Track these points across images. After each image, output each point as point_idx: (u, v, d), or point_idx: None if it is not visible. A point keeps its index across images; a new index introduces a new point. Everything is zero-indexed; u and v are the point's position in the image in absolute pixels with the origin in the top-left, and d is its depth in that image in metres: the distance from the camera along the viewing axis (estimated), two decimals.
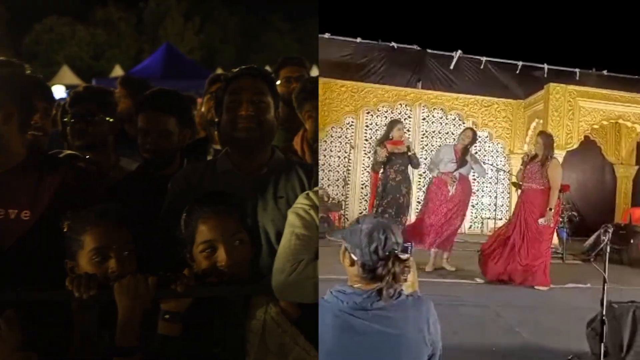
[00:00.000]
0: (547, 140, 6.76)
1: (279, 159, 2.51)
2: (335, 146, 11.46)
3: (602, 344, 3.31)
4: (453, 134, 11.36)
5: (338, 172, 11.40)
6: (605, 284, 3.47)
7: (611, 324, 3.87)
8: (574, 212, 9.21)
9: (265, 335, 2.10)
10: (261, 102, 2.42)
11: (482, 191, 11.30)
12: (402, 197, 6.89)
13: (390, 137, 7.00)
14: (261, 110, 2.42)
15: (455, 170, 7.08)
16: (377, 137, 7.27)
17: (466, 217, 11.31)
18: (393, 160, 6.91)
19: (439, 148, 7.71)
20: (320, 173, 11.32)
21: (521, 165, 6.91)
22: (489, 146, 11.53)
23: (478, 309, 5.47)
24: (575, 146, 10.11)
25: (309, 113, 3.13)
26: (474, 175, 7.79)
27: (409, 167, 7.08)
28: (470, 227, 11.42)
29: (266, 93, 2.45)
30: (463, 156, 7.20)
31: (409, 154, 6.97)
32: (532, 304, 5.64)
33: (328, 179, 11.44)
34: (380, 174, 7.04)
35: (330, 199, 10.20)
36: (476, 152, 11.45)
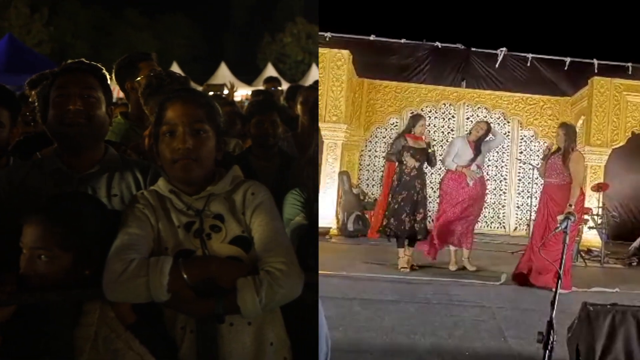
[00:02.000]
0: (568, 131, 6.45)
1: (112, 157, 2.44)
2: (380, 147, 11.48)
3: (547, 352, 3.14)
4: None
5: (382, 172, 11.41)
6: (559, 282, 3.33)
7: (584, 328, 3.70)
8: (614, 213, 8.82)
9: (97, 342, 2.03)
10: (90, 96, 2.34)
11: (528, 192, 11.00)
12: (415, 193, 6.84)
13: (412, 132, 7.00)
14: (90, 105, 2.32)
15: (473, 160, 7.00)
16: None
17: (511, 217, 11.23)
18: (411, 155, 6.90)
19: (452, 141, 7.59)
20: (365, 173, 11.43)
21: (541, 159, 6.71)
22: (534, 145, 11.22)
23: (476, 309, 5.33)
24: (622, 143, 9.73)
25: (153, 109, 2.96)
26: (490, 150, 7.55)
27: (425, 164, 7.04)
28: (515, 228, 11.18)
29: (97, 88, 2.37)
30: (477, 147, 7.09)
31: (429, 151, 6.94)
32: (539, 307, 5.39)
33: (373, 179, 11.49)
34: (396, 166, 7.04)
35: (366, 198, 10.23)
36: (521, 152, 11.25)
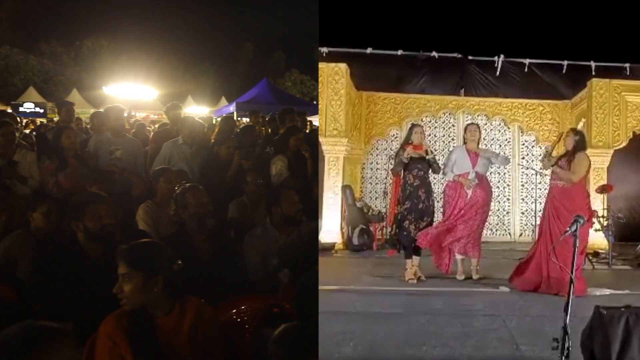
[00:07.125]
0: (576, 136, 6.51)
1: None
2: (381, 159, 11.44)
3: (564, 358, 3.09)
4: (498, 140, 11.15)
5: (384, 184, 11.37)
6: (572, 287, 3.28)
7: (598, 332, 3.65)
8: (619, 214, 8.76)
9: None
10: None
11: (532, 197, 10.95)
12: (420, 202, 6.80)
13: (410, 142, 6.98)
14: None
15: (473, 169, 6.96)
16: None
17: (516, 224, 11.15)
18: (412, 165, 6.87)
19: (451, 151, 7.57)
20: (367, 186, 11.38)
21: (546, 151, 6.72)
22: (536, 150, 11.17)
23: (486, 318, 5.26)
24: (623, 144, 9.69)
25: None
26: (494, 166, 7.43)
27: (429, 172, 7.01)
28: (520, 234, 11.11)
29: None
30: (476, 154, 7.06)
31: (428, 157, 6.91)
32: (549, 314, 5.31)
33: (375, 192, 11.44)
34: (400, 179, 7.01)
35: (371, 211, 10.19)
36: (523, 158, 11.21)
